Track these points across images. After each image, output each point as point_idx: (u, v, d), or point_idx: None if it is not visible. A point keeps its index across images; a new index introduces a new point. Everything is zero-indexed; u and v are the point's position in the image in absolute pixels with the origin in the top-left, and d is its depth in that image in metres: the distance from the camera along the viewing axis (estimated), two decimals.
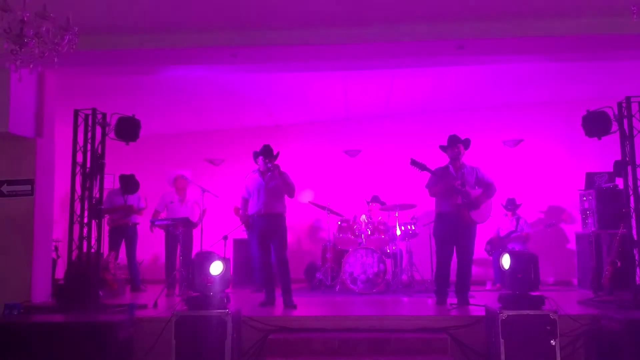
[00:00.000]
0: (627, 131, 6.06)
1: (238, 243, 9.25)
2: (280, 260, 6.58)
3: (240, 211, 7.33)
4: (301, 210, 9.74)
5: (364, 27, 6.10)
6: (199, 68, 7.23)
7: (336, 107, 9.76)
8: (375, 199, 9.05)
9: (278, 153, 6.80)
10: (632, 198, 5.99)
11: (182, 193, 8.43)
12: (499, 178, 7.91)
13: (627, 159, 6.05)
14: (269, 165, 6.62)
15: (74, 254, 6.40)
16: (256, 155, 6.81)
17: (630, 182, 6.03)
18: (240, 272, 9.03)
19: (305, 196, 9.81)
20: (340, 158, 10.49)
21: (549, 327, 4.77)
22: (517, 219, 8.79)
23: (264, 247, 6.68)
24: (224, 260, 5.22)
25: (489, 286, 8.68)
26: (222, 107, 9.44)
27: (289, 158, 9.01)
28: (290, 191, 6.71)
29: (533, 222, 9.41)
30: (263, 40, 6.25)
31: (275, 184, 6.63)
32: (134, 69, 7.22)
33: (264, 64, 7.04)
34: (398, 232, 8.38)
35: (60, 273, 8.16)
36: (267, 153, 6.70)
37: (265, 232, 6.64)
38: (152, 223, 8.05)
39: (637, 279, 5.95)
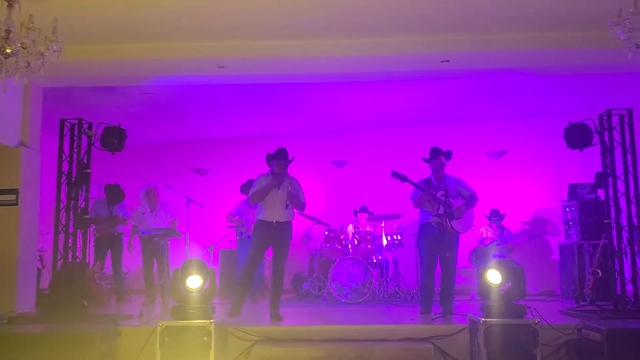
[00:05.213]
0: (607, 143, 6.16)
1: (224, 254, 9.22)
2: (281, 270, 6.40)
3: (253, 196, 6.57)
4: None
5: (349, 39, 6.16)
6: (186, 78, 7.25)
7: (324, 118, 9.80)
8: (363, 209, 9.11)
9: (293, 158, 6.53)
10: (612, 209, 6.09)
11: (154, 204, 8.41)
12: (483, 189, 7.99)
13: (608, 170, 6.15)
14: (280, 163, 6.35)
15: (59, 263, 6.38)
16: (270, 158, 6.52)
17: (611, 194, 6.12)
18: (226, 282, 9.01)
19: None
20: (328, 168, 10.52)
21: (531, 337, 4.82)
22: (502, 230, 8.88)
23: (261, 254, 6.54)
24: (210, 270, 5.23)
25: (473, 296, 8.72)
26: (210, 116, 9.45)
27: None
28: (300, 204, 6.47)
29: (517, 233, 9.50)
30: (250, 51, 6.28)
31: (290, 193, 6.34)
32: (120, 79, 7.22)
33: (252, 74, 7.07)
34: (384, 242, 8.43)
35: (45, 283, 8.11)
36: (281, 157, 6.41)
37: (270, 240, 6.39)
38: (139, 233, 8.04)
39: (618, 288, 6.04)
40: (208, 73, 6.88)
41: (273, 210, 6.35)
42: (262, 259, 6.59)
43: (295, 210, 6.54)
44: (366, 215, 9.01)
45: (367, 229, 8.78)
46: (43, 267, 8.54)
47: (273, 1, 5.37)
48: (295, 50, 6.31)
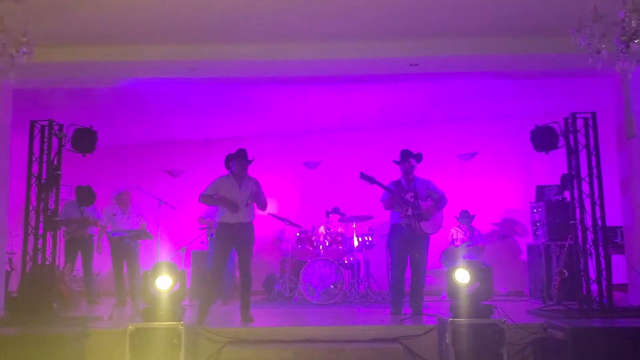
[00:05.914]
0: (572, 146, 6.29)
1: (196, 255, 9.18)
2: (248, 271, 6.36)
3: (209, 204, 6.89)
4: (261, 222, 9.71)
5: (319, 43, 6.23)
6: (158, 80, 7.23)
7: (296, 120, 9.84)
8: (335, 211, 9.16)
9: (253, 159, 6.54)
10: (577, 210, 6.22)
11: (125, 207, 8.36)
12: (453, 191, 8.08)
13: (573, 172, 6.28)
14: (242, 163, 6.36)
15: (28, 266, 6.31)
16: (229, 159, 6.49)
17: (576, 195, 6.26)
18: (197, 284, 8.97)
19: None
20: (300, 170, 10.55)
21: (497, 336, 4.90)
22: (472, 231, 9.00)
23: (226, 256, 6.48)
24: (180, 272, 5.23)
25: (444, 297, 8.78)
26: (182, 118, 9.43)
27: (250, 169, 9.04)
28: (263, 204, 6.50)
29: (487, 234, 9.63)
30: (222, 54, 6.31)
31: (253, 192, 6.37)
32: (92, 81, 7.18)
33: (223, 77, 7.09)
34: (356, 243, 8.49)
35: (13, 285, 8.00)
36: (242, 157, 6.41)
37: (233, 241, 6.36)
38: (109, 235, 7.98)
39: (583, 288, 6.16)
40: (180, 75, 6.88)
41: (235, 212, 6.32)
42: (227, 261, 6.54)
43: (267, 213, 6.55)
44: (338, 216, 9.07)
45: (339, 230, 8.84)
46: (12, 269, 8.42)
47: (243, 5, 5.41)
48: (265, 54, 6.38)
